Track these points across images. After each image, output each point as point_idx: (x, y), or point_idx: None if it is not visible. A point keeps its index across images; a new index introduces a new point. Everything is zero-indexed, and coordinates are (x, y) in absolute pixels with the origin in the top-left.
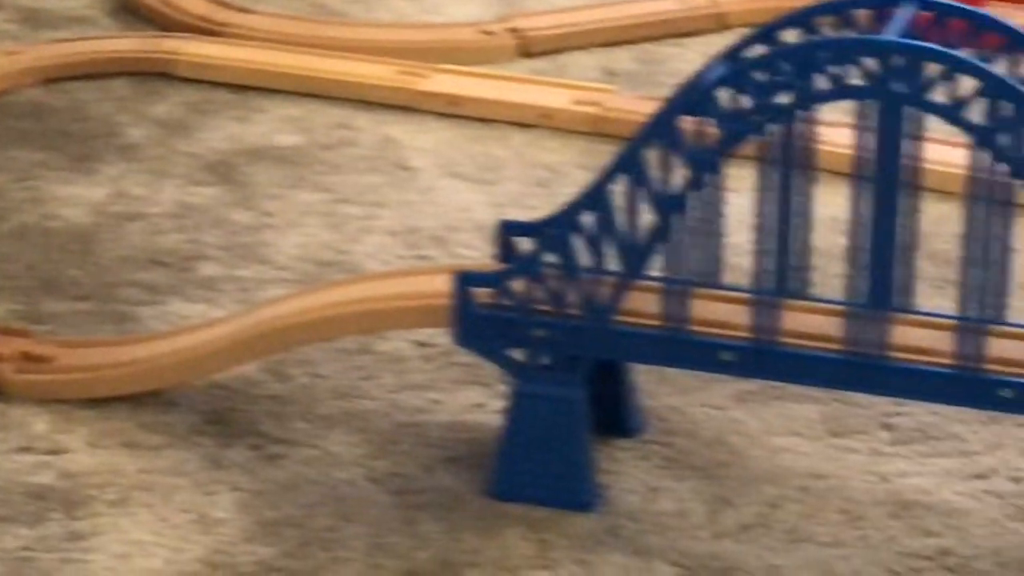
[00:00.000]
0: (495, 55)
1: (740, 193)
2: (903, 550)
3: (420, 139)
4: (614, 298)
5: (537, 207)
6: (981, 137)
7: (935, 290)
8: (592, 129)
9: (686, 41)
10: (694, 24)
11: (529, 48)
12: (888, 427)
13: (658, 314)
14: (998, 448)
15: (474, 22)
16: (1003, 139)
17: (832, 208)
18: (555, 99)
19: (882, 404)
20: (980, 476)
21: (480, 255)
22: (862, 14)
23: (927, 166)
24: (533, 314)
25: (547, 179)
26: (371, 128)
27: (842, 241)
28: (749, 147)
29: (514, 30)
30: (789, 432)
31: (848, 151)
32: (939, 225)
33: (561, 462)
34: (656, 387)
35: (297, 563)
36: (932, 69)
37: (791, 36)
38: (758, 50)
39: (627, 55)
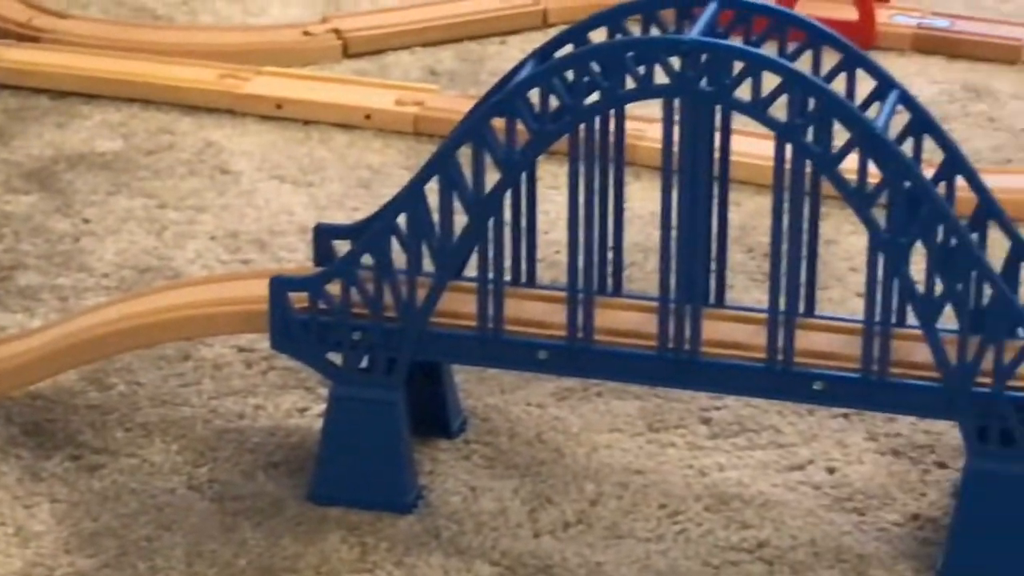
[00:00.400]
0: (318, 56)
1: (561, 190)
2: (721, 543)
3: (242, 142)
4: (430, 300)
5: (360, 208)
6: (785, 133)
7: (754, 283)
8: (415, 129)
9: (509, 39)
10: (516, 22)
11: (352, 48)
12: (706, 421)
13: (474, 314)
14: (814, 439)
15: (296, 24)
16: (807, 135)
17: (653, 204)
18: (378, 100)
19: (701, 398)
20: (796, 467)
21: (303, 258)
22: (667, 13)
23: (746, 160)
24: (350, 317)
25: (370, 180)
26: (193, 132)
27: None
28: (563, 145)
29: (336, 31)
30: (609, 428)
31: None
32: (758, 218)
33: (381, 464)
34: (477, 387)
35: (116, 574)
36: (735, 67)
37: (600, 36)
38: (567, 50)
39: (450, 54)
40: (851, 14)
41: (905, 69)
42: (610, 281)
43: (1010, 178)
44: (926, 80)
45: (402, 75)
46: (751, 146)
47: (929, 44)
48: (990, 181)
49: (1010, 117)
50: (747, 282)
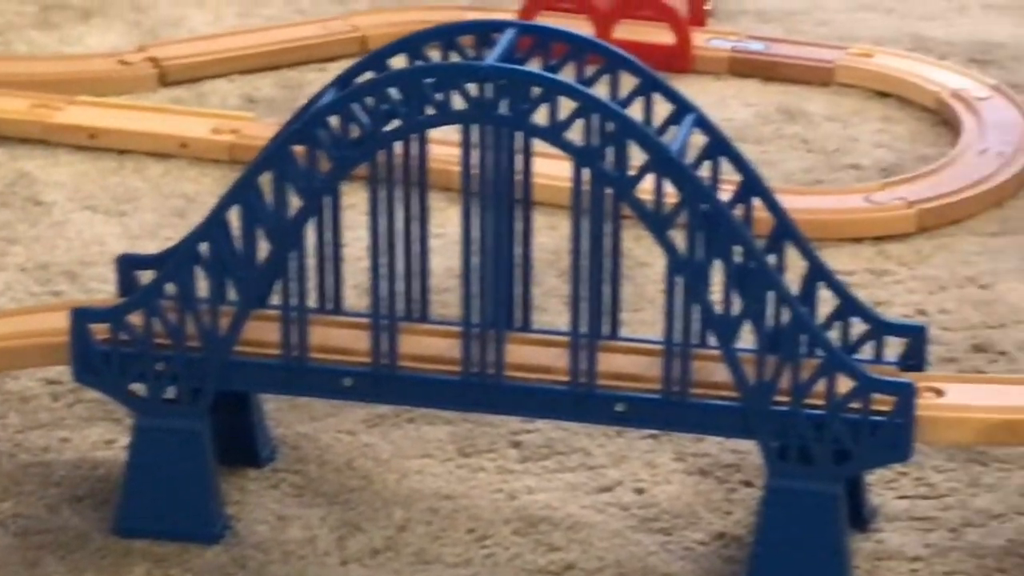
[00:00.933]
0: (134, 85)
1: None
2: (528, 566)
3: (54, 173)
4: (233, 329)
5: (174, 237)
6: (582, 157)
7: (567, 307)
8: (230, 157)
9: (328, 66)
10: (334, 49)
11: (169, 77)
12: (517, 444)
13: (278, 343)
14: (623, 461)
15: (112, 52)
16: (604, 159)
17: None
18: (194, 128)
19: (512, 422)
20: (605, 489)
21: (114, 289)
22: (466, 39)
23: (560, 183)
24: (152, 348)
25: (184, 209)
26: (5, 163)
27: (473, 261)
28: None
29: (153, 59)
30: (420, 454)
31: (474, 171)
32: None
33: (187, 495)
34: (287, 415)
35: None
36: (532, 92)
37: (400, 62)
38: (367, 76)
39: (268, 81)
40: (668, 38)
41: (721, 92)
42: (417, 307)
43: (816, 199)
44: (741, 103)
45: (220, 103)
46: (567, 170)
47: (745, 67)
48: (797, 202)
49: (822, 139)
50: (560, 306)
